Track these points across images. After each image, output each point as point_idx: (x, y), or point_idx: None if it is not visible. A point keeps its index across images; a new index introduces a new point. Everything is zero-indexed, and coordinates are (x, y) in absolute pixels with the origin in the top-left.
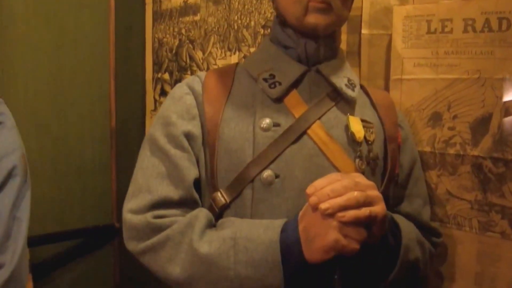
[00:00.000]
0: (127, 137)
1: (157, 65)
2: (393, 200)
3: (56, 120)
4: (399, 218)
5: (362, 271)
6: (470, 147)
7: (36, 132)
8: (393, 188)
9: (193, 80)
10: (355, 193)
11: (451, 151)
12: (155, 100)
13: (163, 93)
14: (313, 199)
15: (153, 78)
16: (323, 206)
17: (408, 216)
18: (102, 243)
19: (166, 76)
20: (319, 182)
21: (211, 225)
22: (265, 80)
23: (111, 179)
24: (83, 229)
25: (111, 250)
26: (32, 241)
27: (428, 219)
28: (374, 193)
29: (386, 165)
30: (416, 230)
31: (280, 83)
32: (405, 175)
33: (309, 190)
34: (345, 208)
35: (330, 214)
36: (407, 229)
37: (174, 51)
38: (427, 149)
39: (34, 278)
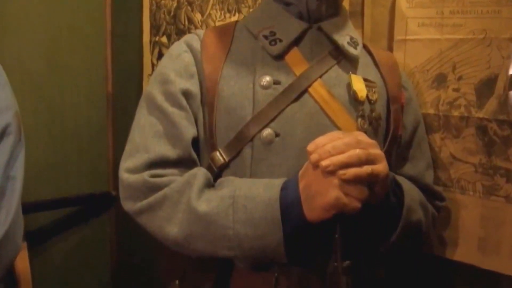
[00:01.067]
0: (124, 102)
1: (155, 28)
2: (395, 162)
3: (51, 83)
4: (401, 179)
5: (364, 232)
6: (475, 109)
7: (30, 95)
8: (396, 150)
9: (192, 38)
10: (357, 151)
11: (456, 113)
12: (153, 64)
13: (161, 57)
14: (314, 156)
15: (150, 42)
16: (324, 163)
17: (411, 179)
18: (99, 211)
19: (164, 39)
20: (320, 140)
21: (210, 184)
22: (266, 37)
23: (107, 146)
24: (79, 196)
25: (107, 219)
26: (27, 208)
27: (431, 182)
28: (377, 151)
29: (388, 126)
30: (419, 192)
31: (281, 40)
32: (408, 137)
33: (310, 147)
34: (346, 165)
35: (331, 172)
36: (410, 190)
37: (172, 14)
38: (431, 111)
39: (29, 246)
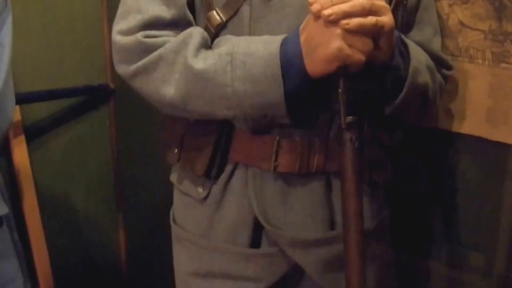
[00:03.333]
0: None
1: None
2: (401, 27)
3: None
4: (408, 41)
5: (368, 91)
6: None
7: None
8: (401, 15)
9: None
10: (361, 0)
11: None
12: None
13: None
14: (315, 6)
15: None
16: (326, 12)
17: (418, 45)
18: (97, 104)
19: None
20: None
21: (207, 45)
22: None
23: (103, 38)
24: (76, 87)
25: (106, 112)
26: (23, 98)
27: (439, 49)
28: (382, 2)
29: None
30: (427, 56)
31: None
32: (414, 1)
33: None
34: (349, 15)
35: (333, 21)
36: (417, 53)
37: None
38: None
39: (27, 139)
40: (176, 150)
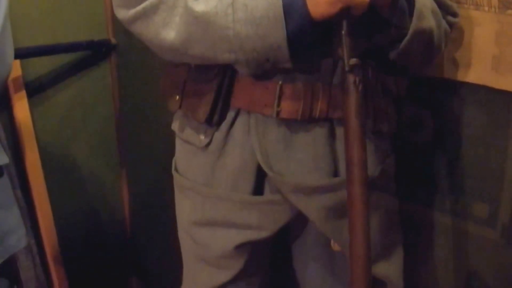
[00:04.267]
0: None
1: None
2: None
3: None
4: None
5: (372, 36)
6: None
7: None
8: None
9: None
10: None
11: None
12: None
13: None
14: None
15: None
16: None
17: None
18: (98, 59)
19: None
20: None
21: None
22: None
23: None
24: (76, 42)
25: (108, 68)
26: (23, 52)
27: None
28: None
29: None
30: (432, 1)
31: None
32: None
33: None
34: None
35: None
36: None
37: None
38: None
39: (29, 94)
40: (177, 97)
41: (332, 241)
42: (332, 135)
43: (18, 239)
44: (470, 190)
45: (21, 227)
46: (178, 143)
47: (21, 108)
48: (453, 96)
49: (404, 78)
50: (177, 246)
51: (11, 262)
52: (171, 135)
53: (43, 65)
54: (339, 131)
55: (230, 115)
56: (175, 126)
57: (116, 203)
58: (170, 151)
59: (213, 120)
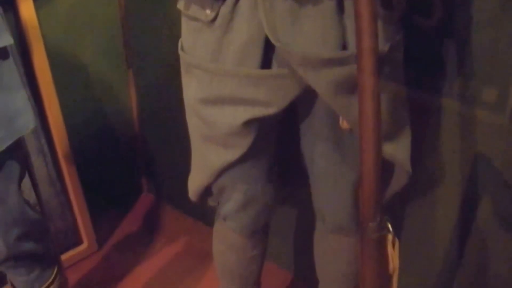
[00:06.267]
0: None
1: None
2: None
3: None
4: None
5: None
6: None
7: None
8: None
9: None
10: None
11: None
12: None
13: None
14: None
15: None
16: None
17: None
18: None
19: None
20: None
21: None
22: None
23: None
24: None
25: None
26: None
27: None
28: None
29: None
30: None
31: None
32: None
33: None
34: None
35: None
36: None
37: None
38: None
39: None
40: None
41: (340, 119)
42: (340, 10)
43: (27, 121)
44: (478, 75)
45: (28, 110)
46: (184, 21)
47: (27, 8)
48: None
49: None
50: (187, 143)
51: (22, 148)
52: (179, 34)
53: None
54: (348, 5)
55: None
56: (180, 4)
57: (125, 103)
58: (176, 43)
59: None
